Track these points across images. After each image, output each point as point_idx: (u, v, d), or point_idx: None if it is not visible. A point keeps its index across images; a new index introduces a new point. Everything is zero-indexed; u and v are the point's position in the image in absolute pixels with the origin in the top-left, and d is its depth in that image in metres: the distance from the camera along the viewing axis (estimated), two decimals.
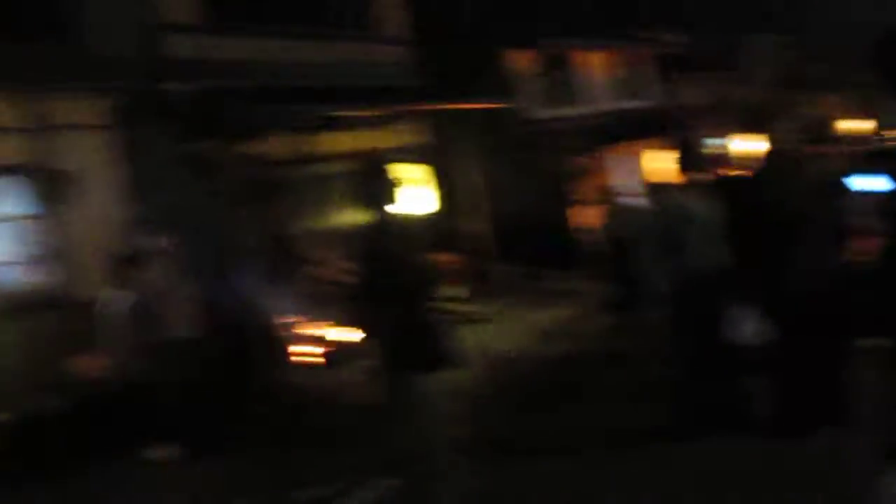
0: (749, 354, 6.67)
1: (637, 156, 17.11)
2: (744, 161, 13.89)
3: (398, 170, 12.26)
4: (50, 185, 9.93)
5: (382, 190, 4.95)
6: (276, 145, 11.93)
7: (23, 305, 9.62)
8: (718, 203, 6.63)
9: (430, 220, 11.98)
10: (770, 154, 6.46)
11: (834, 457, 5.41)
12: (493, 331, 11.60)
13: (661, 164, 6.72)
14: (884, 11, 21.87)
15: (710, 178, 11.77)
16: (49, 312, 9.74)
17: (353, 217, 12.62)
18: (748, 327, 6.87)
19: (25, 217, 9.95)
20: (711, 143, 23.12)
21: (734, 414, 6.34)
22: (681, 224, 6.34)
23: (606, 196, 16.75)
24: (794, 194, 5.98)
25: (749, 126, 18.40)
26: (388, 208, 5.28)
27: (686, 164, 6.54)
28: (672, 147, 6.59)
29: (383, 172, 4.85)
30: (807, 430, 5.94)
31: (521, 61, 17.96)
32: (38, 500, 7.45)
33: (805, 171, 6.65)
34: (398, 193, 10.95)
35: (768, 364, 6.22)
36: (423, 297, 5.22)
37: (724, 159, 14.63)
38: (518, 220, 15.15)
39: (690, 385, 6.46)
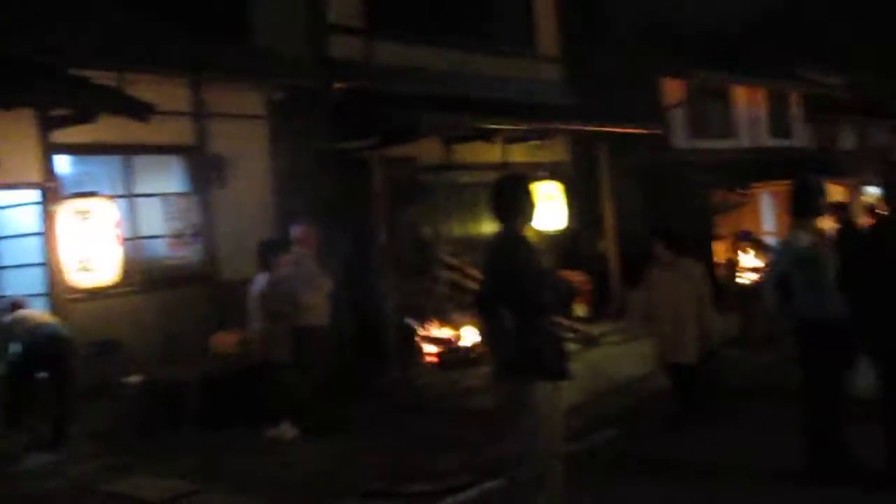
0: (864, 405, 6.63)
1: (783, 195, 16.84)
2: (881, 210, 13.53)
3: (539, 185, 12.45)
4: (206, 167, 10.48)
5: (520, 203, 5.10)
6: (425, 150, 12.29)
7: (170, 279, 10.17)
8: (843, 250, 6.59)
9: (562, 237, 12.12)
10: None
11: None
12: (610, 353, 11.62)
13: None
14: None
15: (836, 224, 11.66)
16: (193, 287, 10.30)
17: (490, 226, 12.90)
18: (864, 378, 6.81)
19: (180, 195, 10.50)
20: (857, 190, 22.57)
21: (850, 463, 6.31)
22: (795, 267, 6.33)
23: (745, 233, 16.59)
24: None
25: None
26: (524, 221, 5.38)
27: (803, 208, 6.49)
28: (808, 189, 6.51)
29: (524, 186, 4.99)
30: None
31: (674, 90, 17.91)
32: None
33: None
34: (536, 208, 11.11)
35: (883, 415, 6.15)
36: (547, 310, 5.34)
37: (858, 206, 14.29)
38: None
39: (816, 430, 6.43)
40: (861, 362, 6.58)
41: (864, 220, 14.46)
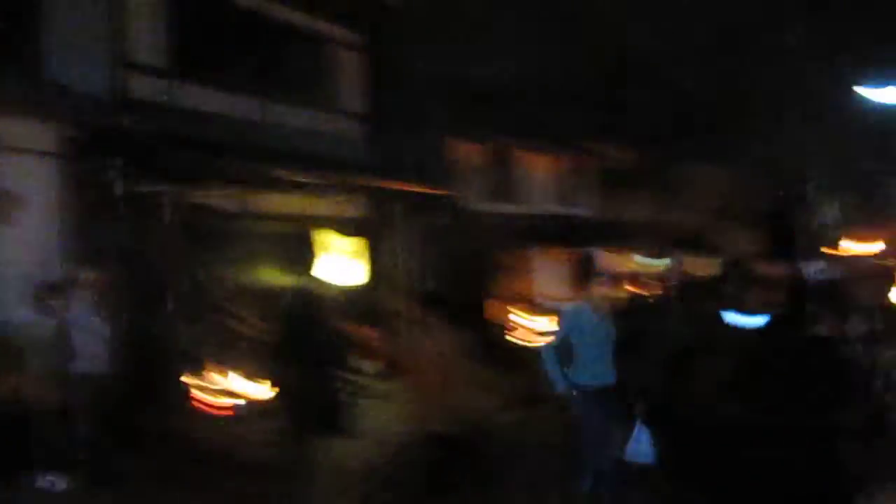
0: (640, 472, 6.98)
1: (567, 261, 17.56)
2: (661, 282, 14.32)
3: (332, 239, 12.51)
4: None
5: (313, 256, 5.08)
6: (223, 197, 12.13)
7: None
8: (624, 320, 6.96)
9: (354, 292, 12.19)
10: (679, 282, 6.75)
11: None
12: (398, 409, 11.68)
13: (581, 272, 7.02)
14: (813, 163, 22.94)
15: (618, 295, 12.26)
16: None
17: (281, 277, 12.85)
18: (642, 446, 7.19)
19: None
20: (639, 260, 23.79)
21: None
22: (577, 334, 6.61)
23: (529, 296, 17.17)
24: (689, 322, 6.26)
25: (677, 249, 18.96)
26: (316, 275, 5.44)
27: (587, 278, 6.81)
28: (592, 260, 6.88)
29: (317, 239, 5.00)
30: None
31: (468, 153, 18.45)
32: None
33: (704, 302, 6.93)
34: (328, 262, 11.18)
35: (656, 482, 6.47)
36: (334, 365, 5.40)
37: (639, 277, 15.06)
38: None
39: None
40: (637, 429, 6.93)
41: (649, 291, 15.25)
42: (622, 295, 12.51)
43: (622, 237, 22.38)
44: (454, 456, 8.30)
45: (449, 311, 8.35)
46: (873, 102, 14.46)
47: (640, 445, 6.72)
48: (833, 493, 4.14)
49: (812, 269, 7.94)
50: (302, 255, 13.09)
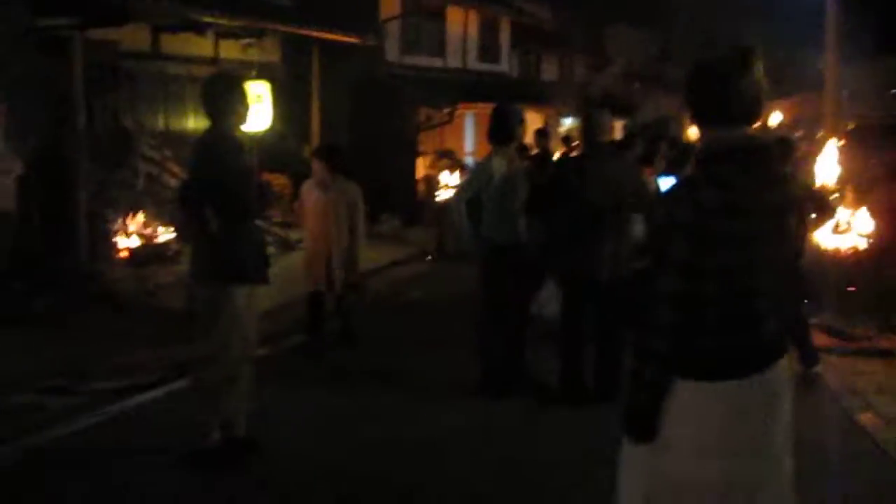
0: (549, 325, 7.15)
1: (485, 118, 17.53)
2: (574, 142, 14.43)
3: (247, 85, 12.24)
4: None
5: (233, 103, 4.94)
6: (132, 36, 11.70)
7: None
8: (536, 177, 6.97)
9: (267, 138, 12.01)
10: (592, 141, 6.70)
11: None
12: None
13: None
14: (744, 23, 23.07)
15: (534, 151, 12.34)
16: None
17: (198, 123, 12.59)
18: (552, 301, 7.33)
19: None
20: (556, 120, 23.90)
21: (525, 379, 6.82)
22: (486, 191, 6.62)
23: (446, 152, 17.20)
24: (607, 183, 6.31)
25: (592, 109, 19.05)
26: (236, 122, 5.27)
27: (500, 134, 6.75)
28: (506, 116, 6.76)
29: (238, 86, 4.85)
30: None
31: (391, 2, 18.05)
32: None
33: (624, 165, 6.99)
34: (248, 109, 10.93)
35: (563, 335, 6.62)
36: (251, 214, 5.33)
37: (555, 136, 15.17)
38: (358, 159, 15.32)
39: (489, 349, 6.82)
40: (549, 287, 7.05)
41: (560, 150, 15.40)
42: (536, 152, 12.62)
43: (540, 95, 22.43)
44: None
45: (345, 165, 8.23)
46: None
47: (552, 303, 6.79)
48: None
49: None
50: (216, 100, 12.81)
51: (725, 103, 2.84)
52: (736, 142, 2.85)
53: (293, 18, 14.18)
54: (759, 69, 2.83)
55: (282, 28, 13.93)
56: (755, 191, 2.80)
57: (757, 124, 2.94)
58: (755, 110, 2.87)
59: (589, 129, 6.73)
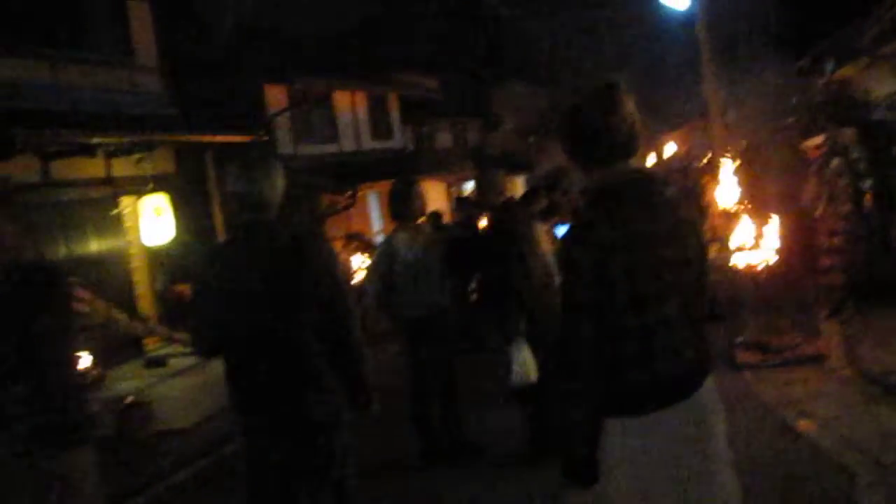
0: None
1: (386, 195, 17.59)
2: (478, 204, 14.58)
3: (145, 199, 12.12)
4: None
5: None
6: (21, 168, 11.49)
7: None
8: (455, 247, 6.97)
9: (171, 250, 11.87)
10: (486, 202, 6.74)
11: None
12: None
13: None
14: (627, 65, 23.80)
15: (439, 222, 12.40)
16: None
17: (97, 244, 12.42)
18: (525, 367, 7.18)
19: None
20: (456, 185, 24.15)
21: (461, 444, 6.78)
22: (396, 267, 6.61)
23: (354, 234, 17.17)
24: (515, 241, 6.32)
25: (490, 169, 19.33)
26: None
27: (400, 211, 6.77)
28: (403, 193, 6.78)
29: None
30: None
31: (277, 96, 18.15)
32: None
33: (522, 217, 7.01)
34: (141, 223, 10.81)
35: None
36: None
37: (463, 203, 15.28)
38: None
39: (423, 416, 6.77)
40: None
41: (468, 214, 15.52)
42: (444, 222, 12.73)
43: (438, 164, 22.67)
44: None
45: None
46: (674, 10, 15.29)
47: (523, 367, 6.66)
48: None
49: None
50: (112, 219, 12.66)
51: (601, 141, 2.88)
52: (621, 176, 2.89)
53: (182, 126, 14.12)
54: (628, 103, 2.88)
55: (171, 138, 13.85)
56: (649, 220, 2.84)
57: (653, 158, 3.00)
58: (632, 143, 2.91)
59: (480, 190, 6.84)
